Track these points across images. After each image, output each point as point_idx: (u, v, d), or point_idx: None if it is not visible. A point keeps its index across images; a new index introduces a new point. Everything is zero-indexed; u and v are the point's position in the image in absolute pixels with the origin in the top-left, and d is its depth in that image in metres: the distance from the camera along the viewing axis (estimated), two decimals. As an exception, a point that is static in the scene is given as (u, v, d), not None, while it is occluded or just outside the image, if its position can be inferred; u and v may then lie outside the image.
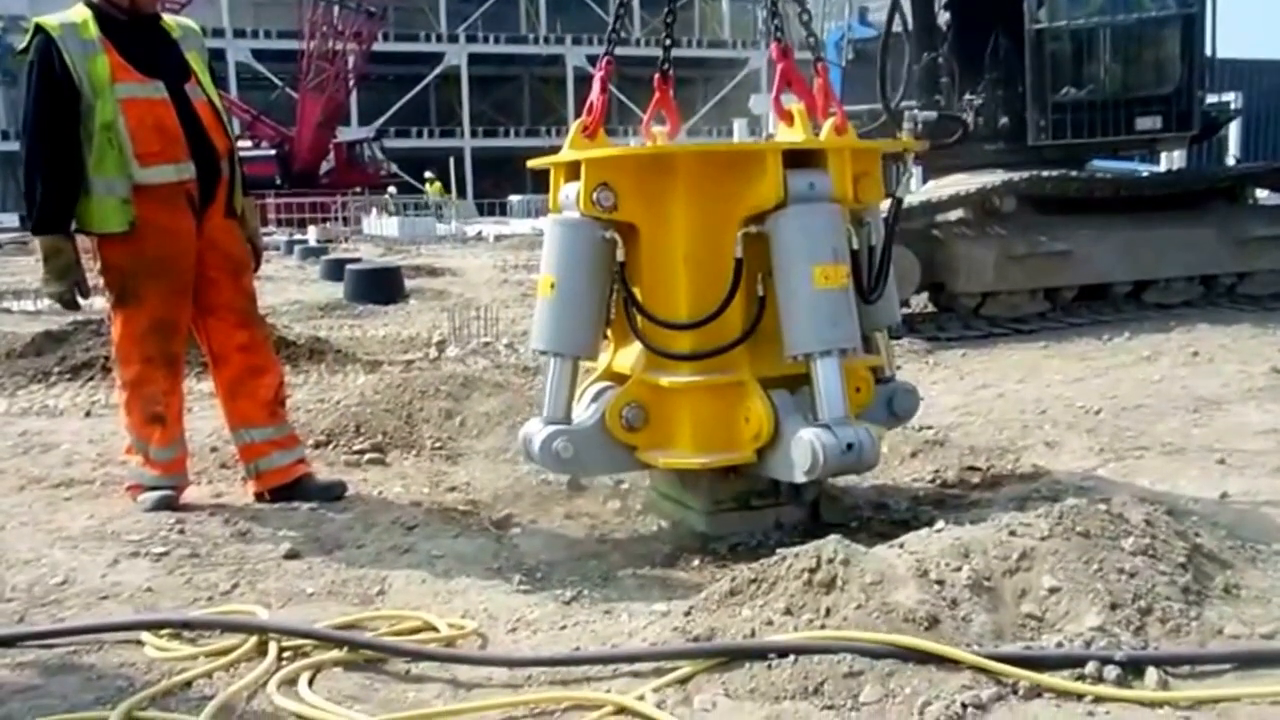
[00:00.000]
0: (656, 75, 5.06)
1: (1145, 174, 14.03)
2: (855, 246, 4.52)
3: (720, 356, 4.41)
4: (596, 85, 4.86)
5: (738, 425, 4.44)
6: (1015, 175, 10.45)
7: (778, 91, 4.71)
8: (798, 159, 4.36)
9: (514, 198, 45.33)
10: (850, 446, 4.16)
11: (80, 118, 4.86)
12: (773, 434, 4.33)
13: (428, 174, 44.06)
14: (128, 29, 5.01)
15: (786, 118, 4.58)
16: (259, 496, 5.28)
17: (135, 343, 5.09)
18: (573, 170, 4.57)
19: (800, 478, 4.25)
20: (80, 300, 5.12)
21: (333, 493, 5.27)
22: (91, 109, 4.84)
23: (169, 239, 5.01)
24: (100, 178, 4.89)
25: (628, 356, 4.73)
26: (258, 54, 57.17)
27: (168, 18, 5.29)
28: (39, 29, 4.90)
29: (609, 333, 4.81)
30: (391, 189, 43.33)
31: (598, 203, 4.40)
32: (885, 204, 4.81)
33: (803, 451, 4.19)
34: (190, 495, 5.28)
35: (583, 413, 4.65)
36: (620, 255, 4.44)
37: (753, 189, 4.33)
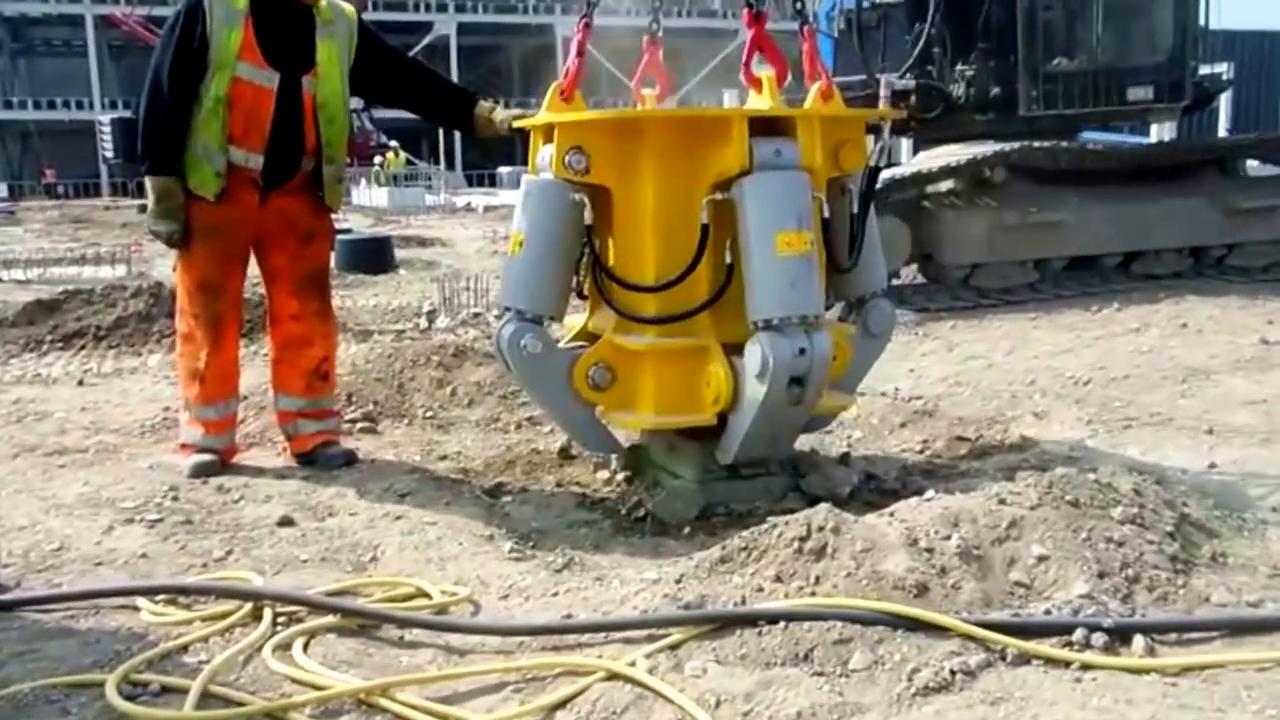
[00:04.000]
0: (645, 37, 5.07)
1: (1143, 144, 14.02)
2: (828, 215, 4.51)
3: (686, 321, 4.45)
4: (574, 49, 4.88)
5: (699, 389, 4.48)
6: (1006, 146, 10.43)
7: (748, 58, 4.72)
8: (766, 126, 4.37)
9: (503, 169, 45.02)
10: (802, 351, 4.20)
11: (201, 79, 4.99)
12: (732, 398, 4.37)
13: (394, 144, 43.77)
14: (277, 10, 5.06)
15: (755, 85, 4.59)
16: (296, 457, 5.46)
17: (187, 299, 5.30)
18: (549, 133, 4.61)
19: (755, 385, 4.25)
20: (182, 242, 5.23)
21: (336, 461, 5.31)
22: (212, 77, 4.98)
23: (223, 207, 5.13)
24: (201, 141, 5.05)
25: (602, 318, 4.78)
26: (247, 23, 56.72)
27: (324, 5, 5.21)
28: None
29: (586, 292, 4.86)
30: (379, 159, 43.04)
31: (570, 165, 4.43)
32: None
33: (754, 354, 4.22)
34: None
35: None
36: (589, 218, 4.47)
37: (719, 155, 4.35)
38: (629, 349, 4.55)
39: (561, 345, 4.83)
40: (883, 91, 4.68)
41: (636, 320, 4.53)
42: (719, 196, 4.33)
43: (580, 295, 4.92)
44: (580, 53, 4.84)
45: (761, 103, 4.53)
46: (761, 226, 4.24)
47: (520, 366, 4.63)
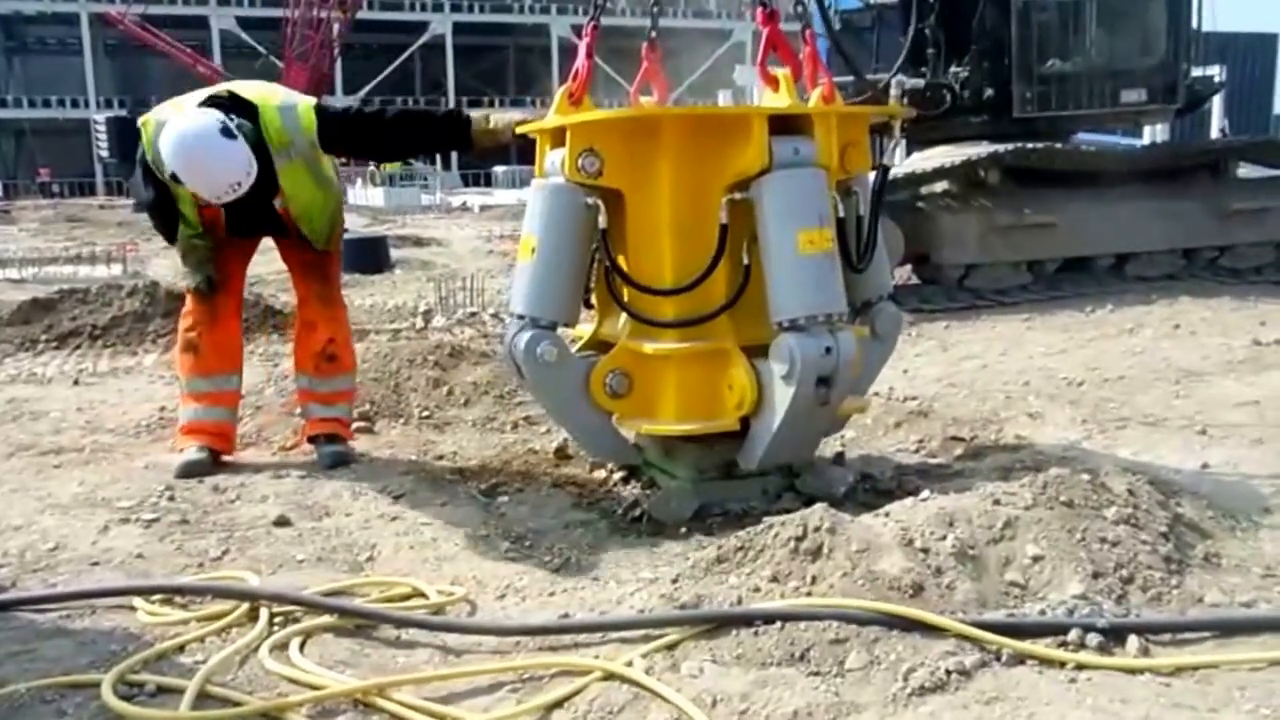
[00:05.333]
0: (644, 45, 5.05)
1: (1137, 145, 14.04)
2: (842, 215, 4.51)
3: (705, 324, 4.41)
4: (582, 52, 4.83)
5: (721, 393, 4.44)
6: (1000, 147, 10.46)
7: (763, 57, 4.68)
8: (783, 125, 4.34)
9: (499, 168, 44.95)
10: (829, 350, 4.19)
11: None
12: (757, 401, 4.35)
13: None
14: None
15: (772, 83, 4.56)
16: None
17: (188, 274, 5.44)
18: (558, 136, 4.56)
19: (782, 387, 4.24)
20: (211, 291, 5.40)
21: (331, 460, 5.31)
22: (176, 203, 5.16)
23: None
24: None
25: (614, 324, 4.74)
26: (243, 22, 56.45)
27: (277, 126, 5.03)
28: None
29: (594, 300, 4.83)
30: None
31: (583, 168, 4.39)
32: (873, 174, 4.81)
33: (781, 354, 4.21)
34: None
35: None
36: (603, 222, 4.43)
37: (738, 154, 4.31)
38: (647, 354, 4.51)
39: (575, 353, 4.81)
40: (894, 91, 4.65)
41: (654, 325, 4.49)
42: (737, 196, 4.30)
43: (587, 304, 4.91)
44: (589, 56, 4.82)
45: (778, 100, 4.52)
46: (783, 225, 4.22)
47: (535, 374, 4.57)
